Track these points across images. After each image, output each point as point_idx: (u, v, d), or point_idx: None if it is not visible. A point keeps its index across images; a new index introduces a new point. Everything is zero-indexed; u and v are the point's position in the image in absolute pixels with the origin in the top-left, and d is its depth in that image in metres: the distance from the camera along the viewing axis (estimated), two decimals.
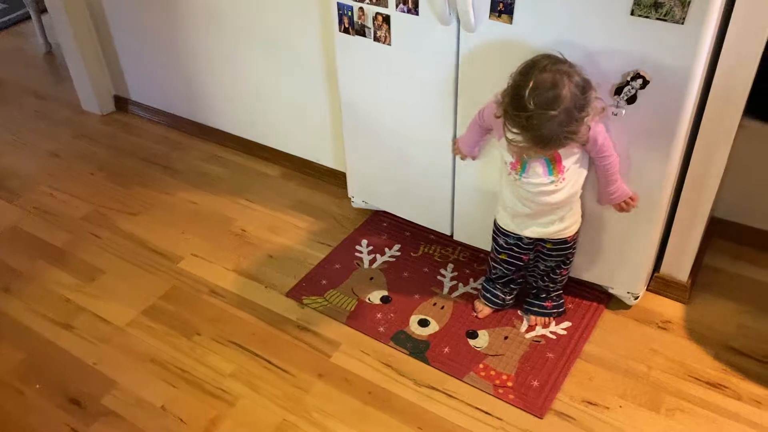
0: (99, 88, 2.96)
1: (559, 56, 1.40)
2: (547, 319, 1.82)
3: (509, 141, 1.44)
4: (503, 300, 1.85)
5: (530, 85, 1.36)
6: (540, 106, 1.35)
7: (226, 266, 2.11)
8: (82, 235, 2.27)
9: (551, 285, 1.79)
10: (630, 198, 1.60)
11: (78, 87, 2.99)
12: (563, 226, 1.63)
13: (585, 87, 1.38)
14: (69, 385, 1.75)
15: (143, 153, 2.72)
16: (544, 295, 1.82)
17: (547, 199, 1.56)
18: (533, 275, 1.81)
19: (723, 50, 1.45)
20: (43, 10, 3.33)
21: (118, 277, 2.09)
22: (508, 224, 1.68)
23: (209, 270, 2.10)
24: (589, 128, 1.45)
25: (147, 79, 2.84)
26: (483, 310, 1.86)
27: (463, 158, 1.80)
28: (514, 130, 1.41)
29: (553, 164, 1.52)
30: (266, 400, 1.68)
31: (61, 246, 2.22)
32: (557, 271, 1.75)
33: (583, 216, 1.70)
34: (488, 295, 1.86)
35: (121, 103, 3.01)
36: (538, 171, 1.53)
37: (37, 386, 1.75)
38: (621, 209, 1.64)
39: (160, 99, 2.86)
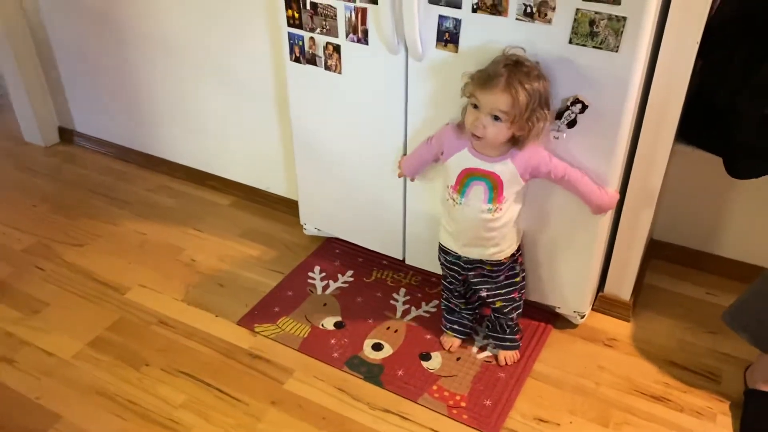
0: (43, 120, 2.90)
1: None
2: (515, 352, 1.80)
3: (463, 84, 1.52)
4: (468, 327, 1.86)
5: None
6: (500, 56, 1.48)
7: (175, 296, 2.07)
8: (24, 268, 2.20)
9: (512, 318, 1.78)
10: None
11: (20, 118, 2.93)
12: (498, 249, 1.67)
13: (542, 99, 1.45)
14: (10, 421, 1.67)
15: (89, 184, 2.67)
16: (514, 327, 1.80)
17: (482, 226, 1.61)
18: (495, 313, 1.79)
19: (654, 76, 1.54)
20: None
21: (62, 309, 2.02)
22: (449, 243, 1.71)
23: (157, 300, 2.06)
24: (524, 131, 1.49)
25: (93, 110, 2.80)
26: (453, 343, 1.84)
27: (402, 176, 1.86)
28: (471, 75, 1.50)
29: (494, 192, 1.56)
30: (219, 429, 1.65)
31: (2, 279, 2.15)
32: (510, 300, 1.75)
33: (528, 239, 1.76)
34: (454, 326, 1.85)
35: (66, 134, 2.96)
36: (479, 195, 1.57)
37: None
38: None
39: (107, 130, 2.83)
